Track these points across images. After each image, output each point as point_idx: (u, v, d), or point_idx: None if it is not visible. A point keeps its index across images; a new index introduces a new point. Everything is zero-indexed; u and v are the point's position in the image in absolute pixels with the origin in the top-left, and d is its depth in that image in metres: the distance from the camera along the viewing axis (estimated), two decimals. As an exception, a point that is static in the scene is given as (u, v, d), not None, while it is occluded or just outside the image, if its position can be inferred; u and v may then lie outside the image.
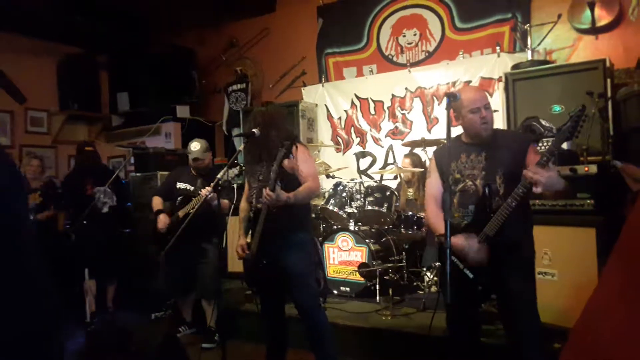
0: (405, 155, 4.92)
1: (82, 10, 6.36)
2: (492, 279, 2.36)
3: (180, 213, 3.98)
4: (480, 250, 2.31)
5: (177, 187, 4.15)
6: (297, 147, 2.91)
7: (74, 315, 4.58)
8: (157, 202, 4.22)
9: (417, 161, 4.77)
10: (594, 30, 4.61)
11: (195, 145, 4.09)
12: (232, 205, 3.99)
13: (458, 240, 2.34)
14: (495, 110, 4.38)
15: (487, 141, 2.47)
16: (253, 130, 2.98)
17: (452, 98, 2.38)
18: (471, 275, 2.32)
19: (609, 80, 3.85)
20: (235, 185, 4.74)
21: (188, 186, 4.11)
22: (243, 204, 3.23)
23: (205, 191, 3.71)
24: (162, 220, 4.05)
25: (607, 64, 3.88)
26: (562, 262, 3.13)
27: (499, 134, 2.57)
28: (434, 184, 2.65)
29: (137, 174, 5.53)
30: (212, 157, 4.34)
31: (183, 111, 6.78)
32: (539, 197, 3.20)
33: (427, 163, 4.59)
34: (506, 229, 2.29)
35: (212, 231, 3.99)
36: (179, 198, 4.11)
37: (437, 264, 4.17)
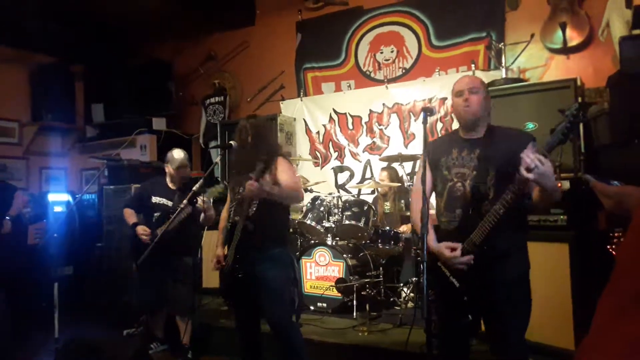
0: (383, 169, 4.96)
1: (57, 20, 6.27)
2: (479, 289, 2.23)
3: (160, 230, 3.71)
4: (465, 257, 2.19)
5: (153, 201, 3.92)
6: (276, 160, 2.89)
7: (41, 332, 4.43)
8: (130, 215, 3.97)
9: (394, 175, 4.80)
10: (566, 50, 4.75)
11: (178, 153, 3.92)
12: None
13: (440, 249, 2.24)
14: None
15: (483, 137, 2.34)
16: (230, 142, 2.96)
17: (428, 113, 2.30)
18: (457, 284, 2.22)
19: (579, 99, 3.94)
20: (211, 200, 4.69)
21: (165, 201, 3.89)
22: (224, 214, 3.17)
23: (186, 203, 3.58)
24: (144, 231, 3.77)
25: (578, 82, 3.97)
26: (536, 277, 3.13)
27: (498, 130, 2.40)
28: (424, 179, 2.42)
29: (111, 187, 5.42)
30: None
31: (159, 123, 6.70)
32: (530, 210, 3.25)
33: (404, 177, 4.62)
34: (494, 237, 2.15)
35: (188, 245, 3.91)
36: (155, 214, 3.89)
37: (414, 279, 4.17)
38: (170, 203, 3.87)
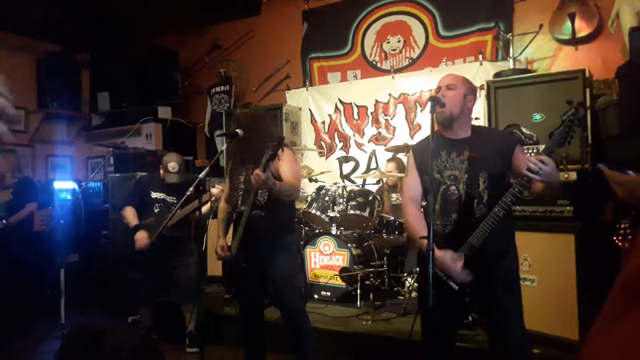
0: (389, 160, 4.94)
1: (63, 8, 6.26)
2: (477, 290, 2.23)
3: (171, 223, 3.72)
4: (463, 272, 2.17)
5: (152, 197, 3.99)
6: (283, 149, 2.88)
7: (47, 318, 4.47)
8: (132, 215, 3.97)
9: (401, 165, 4.79)
10: (574, 41, 4.70)
11: (173, 167, 3.96)
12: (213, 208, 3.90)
13: (443, 256, 2.17)
14: (477, 118, 4.46)
15: (470, 137, 2.34)
16: (237, 130, 2.96)
17: (436, 102, 2.29)
18: (456, 287, 2.20)
19: (588, 90, 3.92)
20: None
21: (165, 196, 3.97)
22: (222, 205, 3.19)
23: (214, 192, 3.58)
24: (142, 239, 3.77)
25: (587, 74, 3.95)
26: (542, 268, 3.17)
27: (484, 131, 2.43)
28: (412, 184, 2.46)
29: (116, 175, 5.44)
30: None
31: (165, 112, 6.70)
32: (522, 202, 3.26)
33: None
34: (492, 240, 2.15)
35: (191, 231, 3.94)
36: (155, 206, 3.94)
37: (418, 269, 4.17)
38: (170, 198, 3.94)
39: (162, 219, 3.81)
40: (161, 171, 4.04)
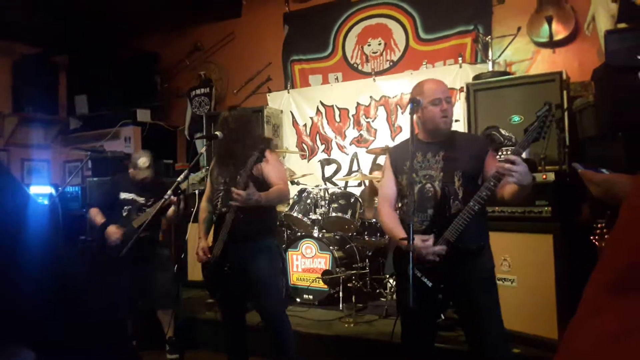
0: (378, 164, 4.95)
1: (41, 10, 6.14)
2: (453, 287, 2.24)
3: (135, 223, 3.69)
4: (436, 248, 2.17)
5: (122, 197, 3.86)
6: (270, 150, 2.88)
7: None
8: (96, 214, 3.87)
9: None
10: (552, 43, 4.77)
11: (143, 162, 3.82)
12: (193, 212, 3.84)
13: (415, 242, 2.14)
14: (457, 120, 4.47)
15: (445, 140, 2.38)
16: (216, 132, 2.94)
17: (415, 103, 2.33)
18: (430, 284, 2.20)
19: (565, 92, 3.97)
20: (196, 192, 4.64)
21: (135, 196, 3.85)
22: (203, 204, 3.14)
23: (170, 194, 3.54)
24: (115, 232, 3.67)
25: (564, 76, 4.00)
26: (521, 268, 3.19)
27: (458, 135, 2.49)
28: (388, 185, 2.50)
29: (94, 179, 5.35)
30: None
31: (144, 115, 6.62)
32: (499, 203, 3.28)
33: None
34: (467, 235, 2.18)
35: (163, 238, 3.86)
36: (125, 208, 3.83)
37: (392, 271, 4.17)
38: (140, 198, 3.83)
39: (131, 221, 3.76)
40: (130, 170, 3.89)
